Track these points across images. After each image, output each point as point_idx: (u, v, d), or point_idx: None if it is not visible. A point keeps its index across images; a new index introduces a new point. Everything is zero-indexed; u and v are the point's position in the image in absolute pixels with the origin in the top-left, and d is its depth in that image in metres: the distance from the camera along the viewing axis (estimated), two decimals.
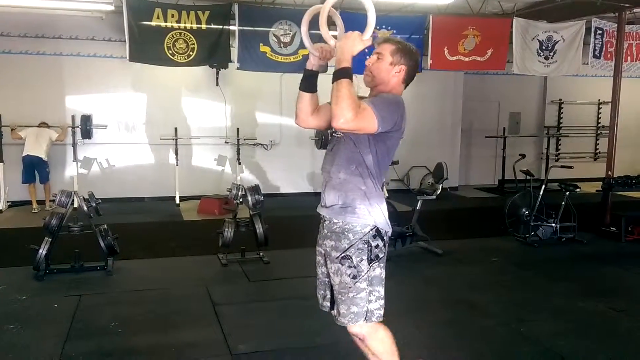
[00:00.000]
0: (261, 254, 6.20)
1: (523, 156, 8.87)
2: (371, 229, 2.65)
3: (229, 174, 10.60)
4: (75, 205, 6.37)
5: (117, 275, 5.65)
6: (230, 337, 4.14)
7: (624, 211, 7.71)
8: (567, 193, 7.20)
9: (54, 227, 5.48)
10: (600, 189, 8.20)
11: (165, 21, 8.16)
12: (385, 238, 2.70)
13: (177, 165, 9.89)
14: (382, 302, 2.72)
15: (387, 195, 9.71)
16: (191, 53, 8.37)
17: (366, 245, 2.63)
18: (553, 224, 7.14)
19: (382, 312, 2.72)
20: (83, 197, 5.85)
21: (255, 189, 6.16)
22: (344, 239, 2.64)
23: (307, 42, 2.74)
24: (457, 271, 6.07)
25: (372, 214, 2.64)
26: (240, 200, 6.20)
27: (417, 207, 6.69)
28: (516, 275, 5.96)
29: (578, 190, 7.32)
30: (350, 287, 2.64)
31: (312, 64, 2.72)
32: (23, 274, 5.55)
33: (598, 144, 13.33)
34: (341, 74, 2.41)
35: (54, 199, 8.45)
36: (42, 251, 5.43)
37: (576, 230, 7.24)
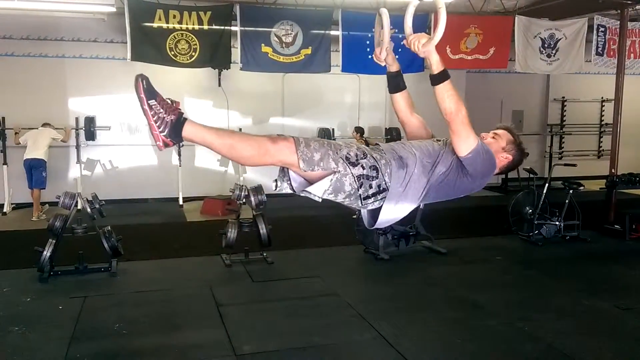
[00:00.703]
0: (265, 254, 6.21)
1: (526, 154, 8.84)
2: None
3: (232, 174, 10.61)
4: (79, 207, 6.38)
5: (121, 277, 5.66)
6: (234, 337, 4.14)
7: (628, 209, 7.68)
8: (571, 191, 7.18)
9: (58, 229, 5.49)
10: (604, 186, 8.18)
11: (167, 22, 8.17)
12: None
13: (180, 166, 9.90)
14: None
15: None
16: (193, 54, 8.37)
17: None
18: (557, 223, 7.12)
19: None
20: (87, 199, 5.86)
21: (258, 190, 6.16)
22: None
23: (379, 38, 2.67)
24: (461, 270, 6.06)
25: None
26: (244, 200, 6.20)
27: (421, 207, 6.69)
28: (520, 273, 5.95)
29: (582, 188, 7.30)
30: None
31: (389, 66, 2.73)
32: (27, 276, 5.56)
33: (601, 142, 13.29)
34: (446, 75, 2.34)
35: (42, 216, 8.42)
36: (46, 253, 5.44)
37: (580, 228, 7.22)
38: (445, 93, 2.32)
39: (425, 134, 2.74)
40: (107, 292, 5.23)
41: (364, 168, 2.34)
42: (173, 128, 2.12)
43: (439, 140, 2.64)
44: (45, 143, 8.71)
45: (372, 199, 2.38)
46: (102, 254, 5.68)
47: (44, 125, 8.94)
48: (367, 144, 9.52)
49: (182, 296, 5.16)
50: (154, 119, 2.11)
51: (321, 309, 4.85)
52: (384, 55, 2.60)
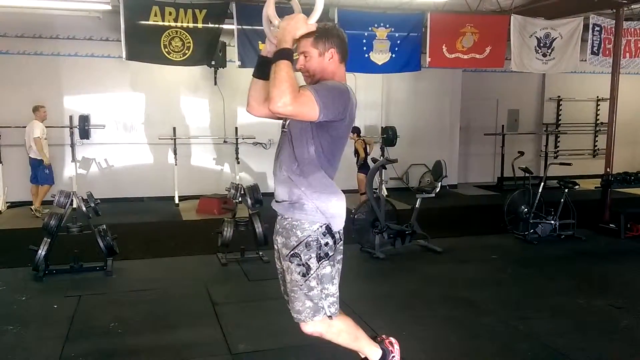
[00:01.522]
0: (260, 253, 6.20)
1: (522, 153, 8.88)
2: (320, 226, 2.61)
3: (228, 173, 10.60)
4: (74, 205, 6.36)
5: (116, 276, 5.65)
6: (230, 336, 4.14)
7: (623, 208, 7.72)
8: (566, 190, 7.20)
9: (53, 228, 5.48)
10: (599, 185, 8.21)
11: (163, 19, 8.15)
12: (337, 235, 2.67)
13: (175, 165, 9.88)
14: (332, 299, 2.69)
15: (386, 193, 9.72)
16: (187, 52, 8.35)
17: (315, 243, 2.59)
18: (552, 221, 7.15)
19: (334, 309, 2.71)
20: (82, 198, 5.85)
21: (254, 189, 6.16)
22: (293, 236, 2.61)
23: (266, 29, 2.66)
24: (457, 269, 6.07)
25: (321, 211, 2.59)
26: (239, 199, 6.20)
27: (416, 205, 6.70)
28: (515, 272, 5.96)
29: (577, 187, 7.32)
30: (301, 285, 2.63)
31: (267, 50, 2.61)
32: (22, 275, 5.55)
33: (597, 141, 13.34)
34: (281, 55, 2.30)
35: (39, 213, 8.38)
36: (42, 252, 5.42)
37: (575, 227, 7.24)
38: (278, 73, 2.27)
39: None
40: (102, 291, 5.22)
41: (310, 266, 2.65)
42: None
43: (285, 128, 2.63)
44: (31, 138, 8.59)
45: (331, 238, 2.66)
46: (97, 253, 5.67)
47: (34, 109, 8.73)
48: (366, 144, 9.53)
49: (177, 295, 5.15)
50: None
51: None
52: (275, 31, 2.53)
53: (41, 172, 8.75)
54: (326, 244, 2.61)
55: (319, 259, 2.60)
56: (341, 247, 2.72)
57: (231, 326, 4.34)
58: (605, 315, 4.66)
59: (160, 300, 4.98)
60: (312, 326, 2.70)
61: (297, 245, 2.59)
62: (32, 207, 8.70)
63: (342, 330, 2.78)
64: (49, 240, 5.50)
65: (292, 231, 2.61)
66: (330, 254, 2.63)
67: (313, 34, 2.51)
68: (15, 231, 7.68)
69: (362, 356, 2.96)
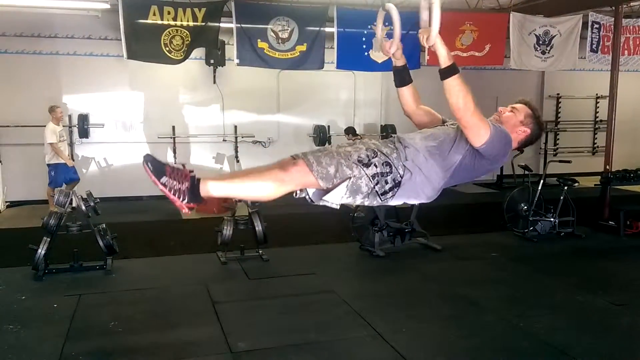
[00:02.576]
0: (260, 251, 6.20)
1: (521, 151, 8.86)
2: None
3: (227, 172, 10.59)
4: (74, 204, 6.36)
5: (116, 275, 5.64)
6: (230, 335, 4.14)
7: (623, 205, 7.72)
8: (566, 188, 7.20)
9: (53, 227, 5.47)
10: (599, 183, 8.21)
11: (162, 19, 8.12)
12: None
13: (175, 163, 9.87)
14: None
15: None
16: (186, 49, 8.34)
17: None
18: (552, 219, 7.15)
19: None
20: (81, 197, 5.84)
21: None
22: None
23: (380, 49, 2.70)
24: (456, 267, 6.07)
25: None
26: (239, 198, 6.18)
27: (416, 203, 6.69)
28: (515, 270, 5.97)
29: (576, 184, 7.32)
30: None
31: (396, 60, 2.71)
32: (22, 274, 5.54)
33: (596, 139, 13.33)
34: (456, 69, 2.35)
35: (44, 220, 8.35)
36: (41, 251, 5.42)
37: (575, 224, 7.24)
38: (453, 88, 2.33)
39: (435, 120, 2.76)
40: (102, 290, 5.22)
41: (377, 167, 2.36)
42: (191, 193, 2.22)
43: (454, 124, 2.62)
44: (46, 144, 8.47)
45: (390, 193, 2.41)
46: (97, 252, 5.66)
47: (50, 110, 8.64)
48: None
49: (177, 294, 5.15)
50: (172, 192, 2.21)
51: (317, 306, 4.85)
52: (394, 49, 2.60)
53: (49, 175, 8.54)
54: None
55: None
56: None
57: (231, 325, 4.34)
58: (605, 313, 4.67)
59: (160, 299, 4.98)
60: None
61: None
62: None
63: None
64: (49, 239, 5.50)
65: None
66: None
67: (533, 109, 2.66)
68: (14, 230, 7.67)
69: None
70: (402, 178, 2.41)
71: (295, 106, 10.77)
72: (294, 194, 2.48)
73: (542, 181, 7.30)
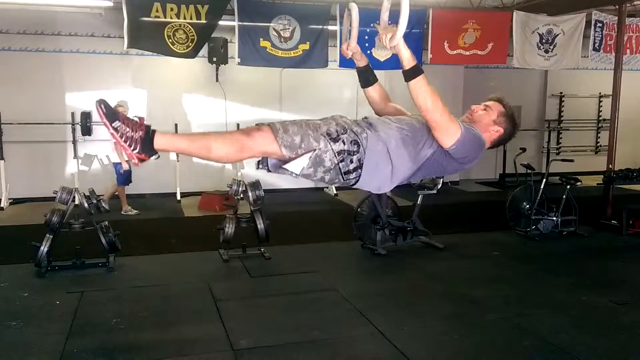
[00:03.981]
0: (262, 249, 6.21)
1: (524, 150, 8.86)
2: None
3: (230, 169, 10.60)
4: (76, 202, 6.37)
5: (118, 272, 5.66)
6: (232, 332, 4.15)
7: (625, 204, 7.70)
8: (568, 186, 7.19)
9: (55, 224, 5.49)
10: (601, 182, 8.20)
11: (165, 16, 8.13)
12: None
13: (177, 161, 9.89)
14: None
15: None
16: (190, 44, 8.34)
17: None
18: (554, 218, 7.14)
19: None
20: (84, 194, 5.85)
21: (255, 185, 6.16)
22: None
23: (348, 46, 2.61)
24: (458, 265, 6.07)
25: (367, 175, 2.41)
26: (241, 196, 6.20)
27: (418, 202, 6.70)
28: (517, 269, 5.96)
29: (579, 183, 7.31)
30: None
31: (357, 61, 2.68)
32: (25, 271, 5.56)
33: (599, 137, 13.30)
34: (420, 70, 2.31)
35: (130, 211, 8.49)
36: (44, 248, 5.43)
37: (577, 223, 7.23)
38: (419, 89, 2.28)
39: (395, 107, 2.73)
40: (104, 287, 5.23)
41: (344, 143, 2.30)
42: (143, 143, 2.14)
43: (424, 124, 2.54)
44: None
45: (354, 174, 2.34)
46: (99, 249, 5.67)
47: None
48: None
49: (179, 291, 5.16)
50: (123, 139, 2.13)
51: (318, 304, 4.86)
52: (352, 51, 2.56)
53: (116, 172, 8.66)
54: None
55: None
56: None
57: (233, 322, 4.35)
58: (607, 312, 4.67)
59: (162, 297, 4.99)
60: None
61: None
62: (122, 211, 8.65)
63: None
64: (51, 236, 5.51)
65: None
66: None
67: (507, 107, 2.61)
68: (17, 228, 7.69)
69: None
70: (367, 160, 2.35)
71: (298, 104, 10.77)
72: (257, 165, 2.42)
73: (544, 180, 7.29)
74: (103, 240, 5.59)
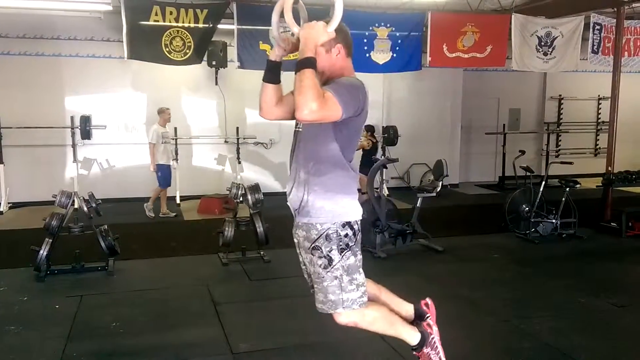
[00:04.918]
0: (262, 252, 6.21)
1: (523, 152, 8.87)
2: (338, 221, 2.63)
3: (229, 173, 10.61)
4: (76, 206, 6.38)
5: (118, 276, 5.65)
6: (231, 336, 4.14)
7: (625, 206, 7.71)
8: (567, 189, 7.19)
9: (55, 228, 5.48)
10: (601, 184, 8.20)
11: (164, 19, 8.16)
12: (355, 226, 2.67)
13: (177, 164, 9.89)
14: (363, 288, 2.71)
15: (387, 193, 9.71)
16: (187, 51, 8.36)
17: (334, 235, 2.60)
18: (553, 220, 7.14)
19: (365, 298, 2.71)
20: (83, 198, 5.86)
21: (255, 188, 6.16)
22: (313, 229, 2.64)
23: (275, 32, 2.70)
24: (458, 268, 6.07)
25: (337, 209, 2.61)
26: (241, 199, 6.20)
27: (418, 205, 6.69)
28: (517, 271, 5.96)
29: (578, 186, 7.31)
30: (323, 277, 2.64)
31: (276, 54, 2.69)
32: (24, 275, 5.55)
33: (598, 140, 13.32)
34: (305, 63, 2.36)
35: (170, 214, 8.68)
36: (43, 252, 5.43)
37: (576, 226, 7.23)
38: (296, 84, 2.37)
39: (287, 101, 2.78)
40: (103, 291, 5.22)
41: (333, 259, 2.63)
42: None
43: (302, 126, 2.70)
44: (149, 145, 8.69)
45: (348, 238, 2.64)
46: (99, 253, 5.67)
47: (158, 112, 8.88)
48: (375, 143, 9.56)
49: (179, 295, 5.16)
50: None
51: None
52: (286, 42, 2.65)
53: (157, 175, 8.80)
54: (346, 235, 2.62)
55: (341, 250, 2.61)
56: (360, 238, 2.71)
57: (232, 326, 4.35)
58: (606, 314, 4.66)
59: (161, 300, 4.99)
60: (346, 316, 2.71)
61: (318, 238, 2.61)
62: (160, 214, 8.75)
63: (376, 318, 2.78)
64: (51, 240, 5.51)
65: (312, 225, 2.64)
66: (350, 245, 2.64)
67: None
68: (17, 232, 7.69)
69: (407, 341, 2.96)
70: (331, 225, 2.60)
71: None
72: None
73: (543, 182, 7.29)
74: (102, 244, 5.59)
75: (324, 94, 2.35)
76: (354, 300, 2.66)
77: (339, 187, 2.63)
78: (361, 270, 2.71)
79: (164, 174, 8.77)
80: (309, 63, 2.36)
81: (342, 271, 2.62)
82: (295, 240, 2.83)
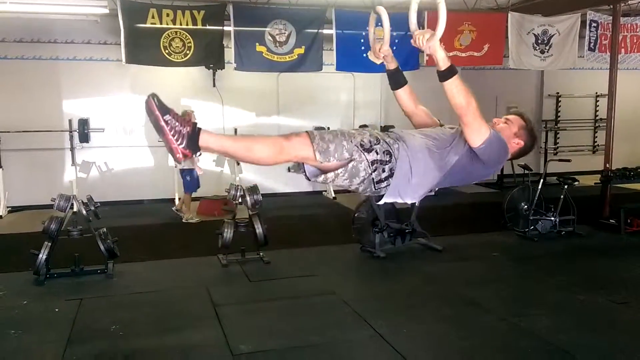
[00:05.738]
0: (261, 254, 6.21)
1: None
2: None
3: (228, 174, 10.59)
4: (75, 209, 6.37)
5: (117, 278, 5.65)
6: (231, 337, 4.14)
7: (623, 203, 7.72)
8: (566, 186, 7.20)
9: (54, 232, 5.48)
10: (599, 181, 8.21)
11: (161, 22, 8.15)
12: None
13: (175, 167, 9.88)
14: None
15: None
16: (188, 52, 8.36)
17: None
18: (552, 218, 7.14)
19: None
20: (82, 201, 5.86)
21: (254, 189, 6.16)
22: None
23: (372, 42, 2.71)
24: (457, 267, 6.08)
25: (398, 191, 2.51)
26: (239, 200, 6.20)
27: (416, 204, 6.70)
28: (516, 269, 5.97)
29: (577, 183, 7.33)
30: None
31: (387, 64, 2.76)
32: (23, 279, 5.55)
33: (596, 137, 13.32)
34: (455, 70, 2.36)
35: (192, 218, 8.50)
36: (42, 256, 5.43)
37: (575, 223, 7.24)
38: (454, 89, 2.35)
39: (431, 122, 2.80)
40: (103, 294, 5.23)
41: (377, 153, 2.40)
42: (190, 139, 2.19)
43: (452, 128, 2.66)
44: None
45: (385, 182, 2.44)
46: (98, 256, 5.67)
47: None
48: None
49: (178, 297, 5.16)
50: (171, 133, 2.18)
51: (318, 307, 4.86)
52: (384, 54, 2.64)
53: (184, 179, 8.65)
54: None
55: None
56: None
57: (232, 327, 4.35)
58: (606, 311, 4.67)
59: (161, 302, 4.99)
60: None
61: None
62: (184, 219, 8.62)
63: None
64: (50, 244, 5.50)
65: None
66: None
67: (527, 121, 2.65)
68: (16, 235, 7.68)
69: None
70: (398, 169, 2.44)
71: (295, 108, 10.78)
72: (288, 169, 2.52)
73: (542, 180, 7.30)
74: (102, 247, 5.58)
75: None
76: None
77: (412, 187, 2.54)
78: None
79: (193, 179, 8.60)
80: (455, 69, 2.38)
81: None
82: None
